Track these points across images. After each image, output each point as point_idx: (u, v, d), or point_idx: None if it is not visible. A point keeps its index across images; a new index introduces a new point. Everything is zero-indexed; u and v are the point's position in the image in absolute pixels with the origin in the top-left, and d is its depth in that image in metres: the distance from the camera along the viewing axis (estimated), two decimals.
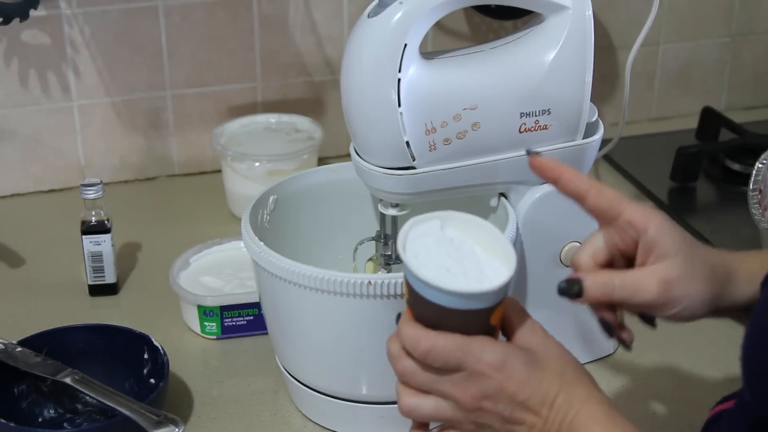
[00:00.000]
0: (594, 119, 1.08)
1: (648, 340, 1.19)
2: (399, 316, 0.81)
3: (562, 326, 1.12)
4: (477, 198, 1.09)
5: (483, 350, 0.77)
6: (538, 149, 1.04)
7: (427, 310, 0.78)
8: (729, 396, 0.86)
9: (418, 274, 0.76)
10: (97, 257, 1.25)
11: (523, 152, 1.03)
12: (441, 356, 0.78)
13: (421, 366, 0.79)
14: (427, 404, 0.80)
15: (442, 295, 0.76)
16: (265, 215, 1.11)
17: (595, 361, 1.16)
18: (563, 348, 0.81)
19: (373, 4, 0.99)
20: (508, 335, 0.82)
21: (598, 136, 1.07)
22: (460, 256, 0.79)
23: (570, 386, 0.79)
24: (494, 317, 0.79)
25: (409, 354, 0.79)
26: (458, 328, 0.78)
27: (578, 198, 0.86)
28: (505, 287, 0.77)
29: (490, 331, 0.79)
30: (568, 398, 0.78)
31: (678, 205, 1.46)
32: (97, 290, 1.27)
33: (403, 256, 0.78)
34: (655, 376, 1.14)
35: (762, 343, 0.72)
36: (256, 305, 1.17)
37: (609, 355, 1.17)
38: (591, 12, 1.02)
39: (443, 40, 1.55)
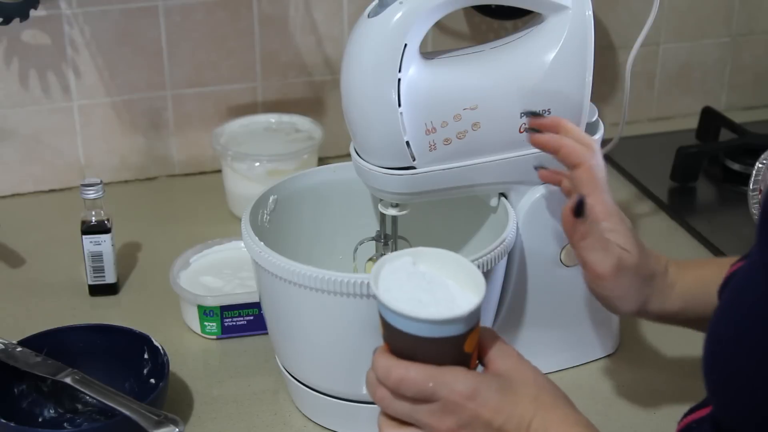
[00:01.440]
0: (594, 119, 1.08)
1: (648, 340, 1.20)
2: (375, 350, 0.81)
3: (562, 326, 1.12)
4: (477, 198, 1.09)
5: (455, 380, 0.78)
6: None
7: (400, 342, 0.78)
8: (696, 407, 0.86)
9: (389, 304, 0.77)
10: (97, 257, 1.25)
11: (524, 152, 1.04)
12: (413, 386, 0.78)
13: (395, 396, 0.79)
14: None
15: (413, 323, 0.76)
16: (265, 215, 1.11)
17: (594, 361, 1.16)
18: (538, 372, 0.82)
19: (373, 4, 0.99)
20: (484, 362, 0.82)
21: (598, 136, 1.07)
22: (432, 287, 0.80)
23: (545, 409, 0.79)
24: (468, 345, 0.79)
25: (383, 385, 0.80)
26: (432, 359, 0.78)
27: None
28: (475, 313, 0.78)
29: (465, 360, 0.79)
30: (543, 422, 0.78)
31: (678, 205, 1.46)
32: (97, 290, 1.27)
33: (375, 290, 0.78)
34: (655, 376, 1.14)
35: (721, 352, 0.72)
36: (256, 305, 1.17)
37: (609, 355, 1.17)
38: (591, 12, 1.02)
39: (443, 40, 1.55)
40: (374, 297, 0.78)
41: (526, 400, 0.79)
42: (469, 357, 0.80)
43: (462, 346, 0.78)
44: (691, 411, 0.86)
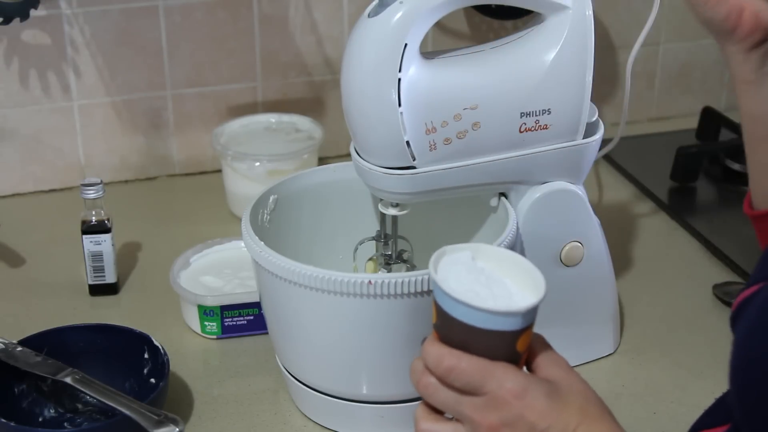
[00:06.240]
0: (594, 119, 1.08)
1: (648, 340, 1.20)
2: (424, 339, 0.81)
3: (562, 326, 1.12)
4: (477, 198, 1.09)
5: (505, 376, 0.77)
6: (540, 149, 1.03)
7: (453, 331, 0.77)
8: (706, 423, 0.85)
9: (448, 291, 0.76)
10: (97, 257, 1.25)
11: (524, 152, 1.04)
12: (463, 376, 0.77)
13: (442, 384, 0.78)
14: (444, 430, 0.80)
15: (471, 312, 0.76)
16: (266, 215, 1.11)
17: (595, 361, 1.16)
18: (587, 384, 0.81)
19: (374, 4, 0.99)
20: (532, 367, 0.81)
21: (598, 136, 1.07)
22: (490, 283, 0.80)
23: (591, 421, 0.78)
24: (520, 343, 0.78)
25: (432, 373, 0.79)
26: (484, 352, 0.77)
27: None
28: (532, 311, 0.77)
29: (515, 359, 0.79)
30: None
31: (678, 205, 1.46)
32: (97, 290, 1.27)
33: (434, 276, 0.78)
34: (655, 376, 1.14)
35: (757, 376, 0.71)
36: (256, 305, 1.17)
37: (609, 355, 1.17)
38: (591, 12, 1.02)
39: (443, 40, 1.55)
40: (433, 283, 0.78)
41: (573, 408, 0.78)
42: (519, 357, 0.79)
43: (515, 344, 0.78)
44: (699, 428, 0.85)
